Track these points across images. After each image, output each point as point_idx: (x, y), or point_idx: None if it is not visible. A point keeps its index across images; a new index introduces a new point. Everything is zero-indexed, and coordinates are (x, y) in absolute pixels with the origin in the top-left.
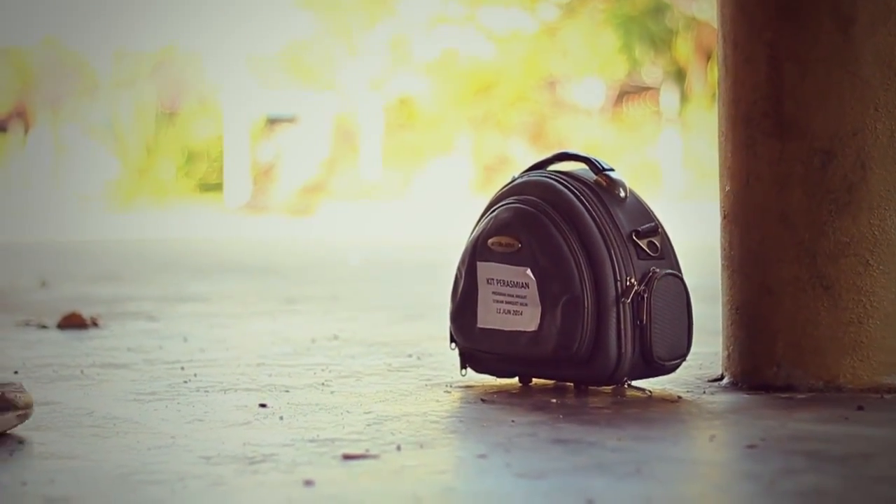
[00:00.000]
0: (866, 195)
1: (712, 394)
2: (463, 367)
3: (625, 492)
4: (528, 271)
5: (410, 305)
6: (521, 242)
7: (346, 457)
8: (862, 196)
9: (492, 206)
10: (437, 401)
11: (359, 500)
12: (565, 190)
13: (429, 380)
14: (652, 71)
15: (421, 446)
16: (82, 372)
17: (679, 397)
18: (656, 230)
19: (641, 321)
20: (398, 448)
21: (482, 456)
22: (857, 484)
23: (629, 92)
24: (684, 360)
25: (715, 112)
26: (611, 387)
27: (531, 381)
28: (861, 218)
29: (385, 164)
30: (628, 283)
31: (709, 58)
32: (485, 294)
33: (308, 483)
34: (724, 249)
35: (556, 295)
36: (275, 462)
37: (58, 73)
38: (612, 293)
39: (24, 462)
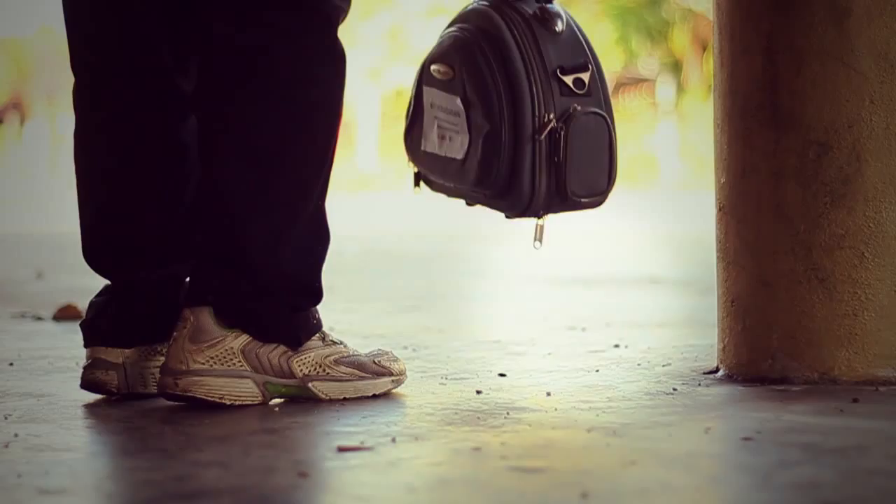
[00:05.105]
0: (861, 187)
1: (708, 386)
2: (416, 184)
3: (619, 484)
4: (458, 101)
5: (406, 297)
6: (454, 71)
7: (341, 449)
8: (857, 188)
9: (445, 29)
10: (433, 393)
11: (353, 493)
12: (501, 22)
13: (424, 372)
14: (648, 62)
15: (416, 438)
16: (77, 364)
17: (674, 389)
18: (586, 66)
19: (558, 157)
20: (393, 440)
21: (477, 448)
22: (853, 476)
23: (626, 83)
24: (604, 197)
25: (711, 104)
26: (531, 218)
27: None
28: (856, 210)
29: (381, 156)
30: (546, 120)
31: (705, 49)
32: (429, 118)
33: (302, 475)
34: (720, 241)
35: (479, 126)
36: (270, 454)
37: (54, 63)
38: (529, 128)
39: (19, 454)
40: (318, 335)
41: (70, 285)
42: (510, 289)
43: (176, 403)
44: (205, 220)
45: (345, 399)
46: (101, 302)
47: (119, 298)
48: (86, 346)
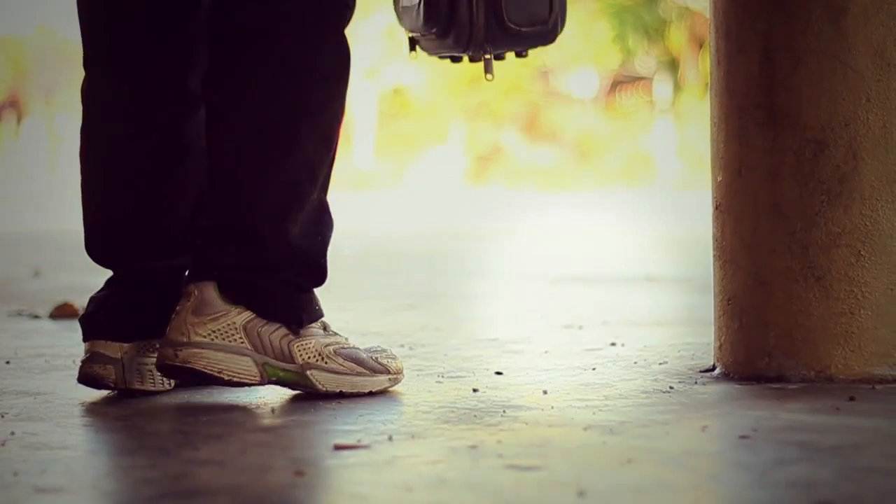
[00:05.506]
0: (858, 186)
1: (704, 384)
2: (412, 49)
3: (616, 483)
4: None
5: (403, 295)
6: None
7: (338, 447)
8: (854, 186)
9: None
10: (429, 391)
11: (350, 491)
12: None
13: (421, 370)
14: (645, 61)
15: (412, 437)
16: (74, 362)
17: (671, 387)
18: None
19: None
20: (390, 438)
21: (473, 447)
22: (849, 474)
23: (622, 82)
24: (548, 28)
25: (708, 102)
26: (472, 55)
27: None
28: (853, 208)
29: (378, 154)
30: None
31: (702, 47)
32: None
33: (299, 473)
34: (717, 240)
35: None
36: (266, 452)
37: (52, 62)
38: None
39: (15, 452)
40: (319, 323)
41: (67, 283)
42: (507, 287)
43: (173, 402)
44: (213, 197)
45: (341, 392)
46: (101, 296)
47: (119, 292)
48: (84, 340)
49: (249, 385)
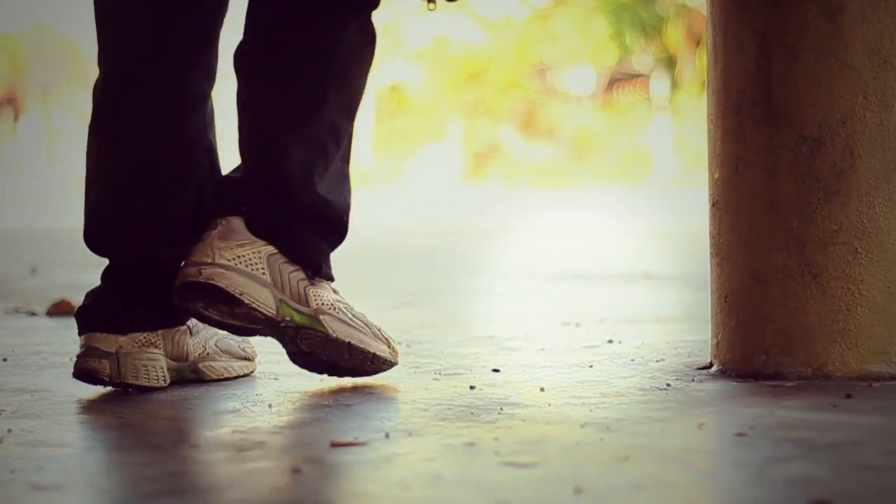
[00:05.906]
0: (855, 183)
1: (701, 381)
2: None
3: (613, 480)
4: None
5: (401, 293)
6: None
7: (335, 444)
8: (850, 184)
9: None
10: (426, 388)
11: (347, 488)
12: None
13: (418, 367)
14: (642, 58)
15: (409, 434)
16: (71, 359)
17: (668, 385)
18: None
19: None
20: (386, 436)
21: (470, 444)
22: (846, 472)
23: (619, 79)
24: None
25: (705, 99)
26: None
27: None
28: (850, 206)
29: (376, 151)
30: None
31: (699, 44)
32: None
33: (296, 471)
34: (713, 237)
35: None
36: (264, 450)
37: (49, 59)
38: None
39: (12, 450)
40: (332, 284)
41: (64, 281)
42: (505, 284)
43: (170, 399)
44: (244, 154)
45: (349, 344)
46: (97, 289)
47: (115, 284)
48: (80, 334)
49: (265, 316)
